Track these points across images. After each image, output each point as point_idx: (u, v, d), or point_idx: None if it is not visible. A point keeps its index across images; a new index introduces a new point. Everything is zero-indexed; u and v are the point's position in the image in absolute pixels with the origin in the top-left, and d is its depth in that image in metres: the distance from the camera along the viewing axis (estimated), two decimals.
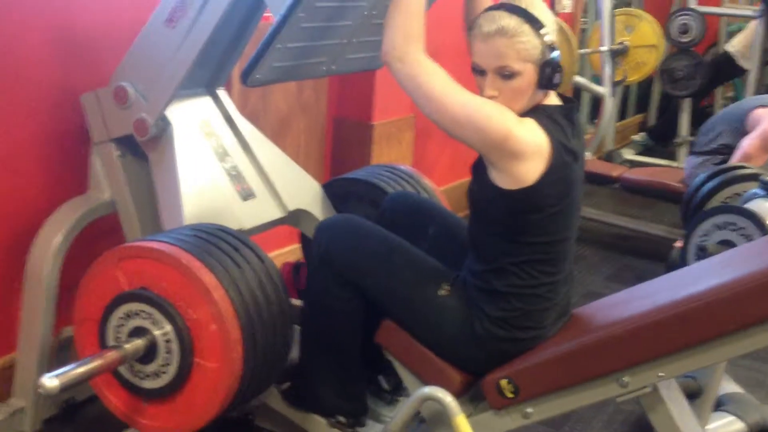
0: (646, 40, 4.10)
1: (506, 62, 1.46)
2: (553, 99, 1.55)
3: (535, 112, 1.50)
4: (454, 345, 1.55)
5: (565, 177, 1.50)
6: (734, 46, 4.60)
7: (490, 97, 1.48)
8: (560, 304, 1.55)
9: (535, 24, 1.45)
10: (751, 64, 3.99)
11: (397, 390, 1.81)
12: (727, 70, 4.64)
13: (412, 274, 1.60)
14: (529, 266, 1.50)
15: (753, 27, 4.14)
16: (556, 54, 1.49)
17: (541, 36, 1.46)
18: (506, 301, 1.51)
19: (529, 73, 1.47)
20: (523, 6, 1.48)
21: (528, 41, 1.45)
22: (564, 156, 1.48)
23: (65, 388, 1.32)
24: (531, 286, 1.51)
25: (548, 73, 1.47)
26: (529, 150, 1.44)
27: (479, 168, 1.53)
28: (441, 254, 1.66)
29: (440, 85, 1.47)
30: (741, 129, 3.11)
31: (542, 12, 1.49)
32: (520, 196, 1.46)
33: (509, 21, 1.45)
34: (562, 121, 1.52)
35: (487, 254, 1.53)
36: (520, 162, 1.44)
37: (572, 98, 1.61)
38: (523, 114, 1.49)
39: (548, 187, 1.47)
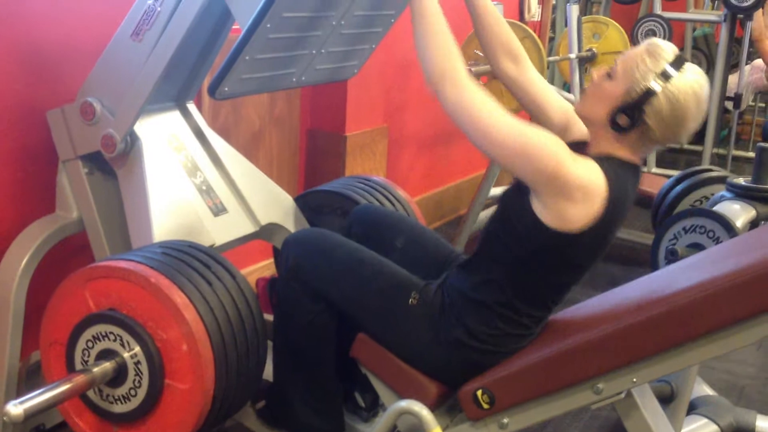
0: (614, 46, 4.15)
1: (619, 61, 1.44)
2: (626, 156, 1.46)
3: (605, 160, 1.43)
4: (426, 353, 1.54)
5: (604, 238, 1.45)
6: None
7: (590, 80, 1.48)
8: (536, 333, 1.55)
9: (669, 70, 1.39)
10: (716, 71, 4.06)
11: (374, 406, 1.79)
12: None
13: (381, 284, 1.58)
14: (527, 297, 1.49)
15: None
16: (649, 110, 1.39)
17: (657, 76, 1.39)
18: (490, 318, 1.50)
19: (619, 86, 1.41)
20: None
21: (644, 64, 1.40)
22: (615, 215, 1.42)
23: (31, 415, 1.28)
24: (520, 314, 1.49)
25: (629, 113, 1.39)
26: (580, 189, 1.37)
27: (523, 185, 1.44)
28: (410, 266, 1.65)
29: (487, 111, 1.39)
30: None
31: None
32: (554, 238, 1.40)
33: (662, 46, 1.42)
34: (630, 181, 1.45)
35: (494, 265, 1.50)
36: (566, 201, 1.37)
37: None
38: (593, 159, 1.42)
39: (587, 241, 1.42)
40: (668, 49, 1.43)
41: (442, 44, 1.42)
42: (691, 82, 1.40)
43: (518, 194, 1.46)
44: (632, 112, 1.40)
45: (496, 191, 3.50)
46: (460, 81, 1.40)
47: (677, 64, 1.40)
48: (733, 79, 4.51)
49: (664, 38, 4.46)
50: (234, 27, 1.85)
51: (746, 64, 4.29)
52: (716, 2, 5.47)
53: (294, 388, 1.64)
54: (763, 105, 6.73)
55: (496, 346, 1.51)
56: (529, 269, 1.47)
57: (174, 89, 1.91)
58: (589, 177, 1.38)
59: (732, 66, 4.48)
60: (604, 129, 1.45)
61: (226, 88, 1.67)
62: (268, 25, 1.58)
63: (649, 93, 1.39)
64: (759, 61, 4.50)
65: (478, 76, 3.01)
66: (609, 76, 1.45)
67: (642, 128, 1.42)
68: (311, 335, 1.61)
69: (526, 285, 1.49)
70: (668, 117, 1.40)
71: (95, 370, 1.41)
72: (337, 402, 1.69)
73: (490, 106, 1.40)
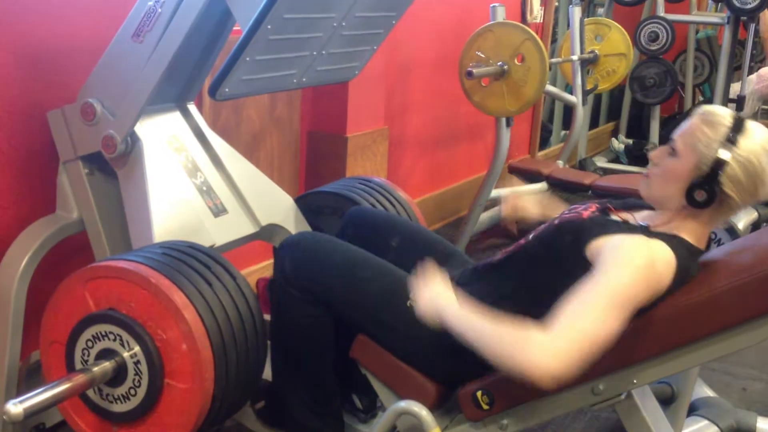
0: (616, 48, 4.15)
1: (677, 137, 1.40)
2: (695, 238, 1.42)
3: (673, 239, 1.38)
4: (426, 356, 1.54)
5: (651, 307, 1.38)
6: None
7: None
8: None
9: (732, 135, 1.35)
10: (718, 72, 4.05)
11: (372, 408, 1.79)
12: None
13: (379, 287, 1.57)
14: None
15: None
16: (725, 179, 1.35)
17: (722, 144, 1.35)
18: None
19: (687, 163, 1.38)
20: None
21: (706, 135, 1.37)
22: (674, 290, 1.37)
23: (30, 415, 1.28)
24: None
25: (705, 187, 1.35)
26: (657, 288, 1.34)
27: (581, 246, 1.38)
28: (407, 265, 1.63)
29: (584, 326, 1.26)
30: None
31: None
32: None
33: (717, 112, 1.39)
34: (693, 266, 1.40)
35: (521, 288, 1.48)
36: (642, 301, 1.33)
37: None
38: (666, 238, 1.37)
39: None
40: (724, 114, 1.39)
41: (497, 339, 1.30)
42: (759, 140, 1.36)
43: (573, 248, 1.40)
44: (708, 186, 1.36)
45: (498, 192, 3.50)
46: (544, 346, 1.24)
47: (738, 126, 1.37)
48: (735, 87, 4.50)
49: (666, 40, 4.46)
50: (235, 28, 1.86)
51: (749, 66, 4.27)
52: (719, 4, 5.46)
53: (293, 391, 1.64)
54: (767, 108, 6.72)
55: None
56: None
57: (175, 90, 1.91)
58: (664, 271, 1.34)
59: (735, 68, 4.47)
60: (679, 208, 1.41)
61: (227, 89, 1.67)
62: (269, 27, 1.59)
63: (719, 163, 1.35)
64: (765, 70, 4.48)
65: (480, 77, 3.01)
66: (671, 154, 1.41)
67: (721, 199, 1.38)
68: (309, 339, 1.60)
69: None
70: (745, 181, 1.36)
71: (95, 369, 1.41)
72: (336, 404, 1.68)
73: (580, 322, 1.26)
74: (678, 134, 1.42)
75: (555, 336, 1.25)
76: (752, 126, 1.38)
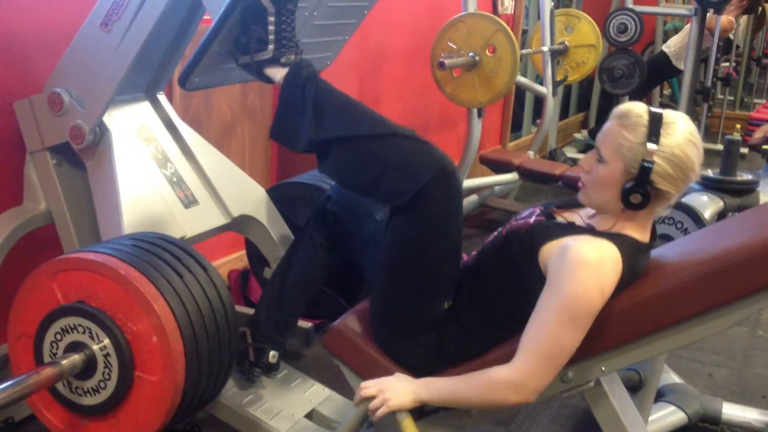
0: (586, 39, 4.19)
1: (601, 144, 1.40)
2: (639, 234, 1.42)
3: (616, 237, 1.39)
4: (413, 348, 1.54)
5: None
6: (670, 46, 4.74)
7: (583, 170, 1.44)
8: None
9: (653, 134, 1.34)
10: (686, 64, 4.10)
11: (258, 364, 1.81)
12: (663, 70, 4.79)
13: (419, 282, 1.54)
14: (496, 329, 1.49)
15: (689, 29, 4.26)
16: (655, 177, 1.35)
17: (645, 146, 1.34)
18: (468, 343, 1.51)
19: (615, 169, 1.38)
20: None
21: (627, 140, 1.36)
22: (621, 289, 1.39)
23: None
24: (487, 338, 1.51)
25: (638, 190, 1.36)
26: (606, 290, 1.36)
27: (531, 254, 1.40)
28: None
29: (542, 350, 1.35)
30: None
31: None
32: None
33: (634, 112, 1.37)
34: (642, 262, 1.42)
35: (484, 310, 1.50)
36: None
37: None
38: (612, 238, 1.38)
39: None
40: (640, 113, 1.37)
41: (475, 393, 1.40)
42: (680, 131, 1.36)
43: (530, 264, 1.41)
44: (641, 188, 1.37)
45: (470, 183, 3.52)
46: (507, 383, 1.36)
47: (656, 123, 1.35)
48: (675, 40, 4.65)
49: (635, 32, 4.51)
50: (205, 17, 1.84)
51: (715, 57, 4.35)
52: None
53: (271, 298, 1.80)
54: (732, 98, 6.84)
55: (463, 357, 1.52)
56: (514, 326, 1.44)
57: (144, 80, 1.89)
58: (612, 271, 1.36)
59: (702, 60, 4.54)
60: (619, 211, 1.41)
61: (197, 79, 1.66)
62: (239, 16, 1.57)
63: (646, 164, 1.35)
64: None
65: (451, 68, 3.02)
66: (599, 161, 1.40)
67: (656, 194, 1.38)
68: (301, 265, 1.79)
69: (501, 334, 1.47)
70: (675, 174, 1.36)
71: (64, 362, 1.40)
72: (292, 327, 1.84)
73: (539, 348, 1.35)
74: (600, 141, 1.42)
75: (516, 369, 1.36)
76: (670, 118, 1.37)
